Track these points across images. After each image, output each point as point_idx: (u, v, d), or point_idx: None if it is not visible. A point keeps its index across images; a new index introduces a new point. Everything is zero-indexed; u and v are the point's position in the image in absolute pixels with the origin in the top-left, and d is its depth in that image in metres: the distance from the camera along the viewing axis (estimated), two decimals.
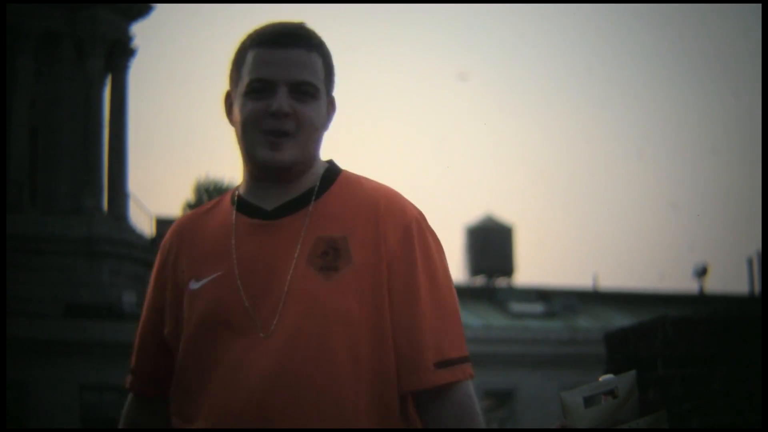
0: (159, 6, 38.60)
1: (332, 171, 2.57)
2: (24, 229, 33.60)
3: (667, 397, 5.39)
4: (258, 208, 2.51)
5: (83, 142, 36.19)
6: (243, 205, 2.54)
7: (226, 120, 2.59)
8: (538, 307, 39.75)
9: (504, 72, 76.87)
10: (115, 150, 37.09)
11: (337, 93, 2.58)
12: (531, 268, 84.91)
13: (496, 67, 76.78)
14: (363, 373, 2.42)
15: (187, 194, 50.28)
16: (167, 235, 2.64)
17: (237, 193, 2.57)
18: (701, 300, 38.88)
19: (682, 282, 74.09)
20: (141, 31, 51.76)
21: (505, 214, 72.94)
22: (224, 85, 2.59)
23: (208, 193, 48.80)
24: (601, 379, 2.45)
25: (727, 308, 6.40)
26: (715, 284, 63.80)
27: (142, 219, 38.28)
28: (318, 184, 2.52)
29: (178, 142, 74.50)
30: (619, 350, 6.04)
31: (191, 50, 75.89)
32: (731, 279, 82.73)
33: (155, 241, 37.37)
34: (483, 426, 2.48)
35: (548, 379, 35.77)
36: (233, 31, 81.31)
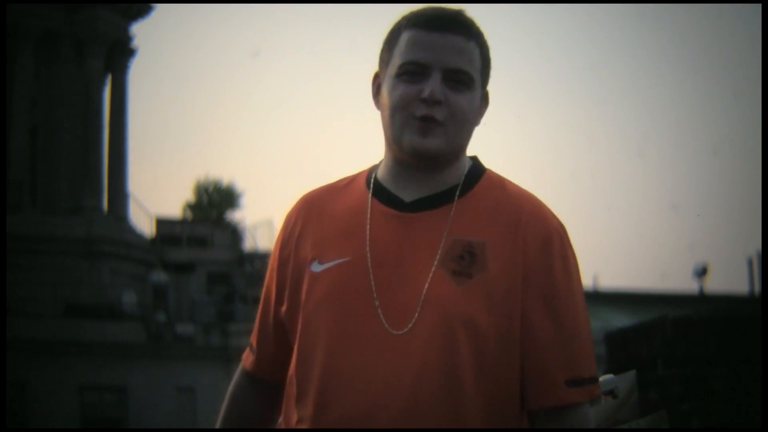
0: (159, 6, 38.63)
1: (477, 169, 2.44)
2: (24, 229, 33.57)
3: (667, 397, 5.39)
4: (396, 198, 2.38)
5: (83, 142, 36.17)
6: (380, 191, 2.41)
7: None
8: None
9: (504, 72, 76.77)
10: (115, 150, 37.07)
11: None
12: None
13: (495, 67, 76.60)
14: (485, 384, 2.31)
15: (187, 194, 50.36)
16: (293, 209, 2.49)
17: (374, 176, 2.44)
18: (701, 300, 38.87)
19: (682, 282, 74.10)
20: (141, 31, 51.80)
21: None
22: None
23: (208, 193, 48.80)
24: (601, 379, 2.44)
25: (727, 308, 6.40)
26: (715, 284, 63.83)
27: (142, 219, 38.29)
28: (462, 181, 2.40)
29: (178, 142, 74.52)
30: (619, 350, 6.04)
31: (191, 50, 75.91)
32: (731, 279, 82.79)
33: (155, 241, 37.39)
34: None
35: None
36: (233, 31, 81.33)
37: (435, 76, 2.33)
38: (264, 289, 2.51)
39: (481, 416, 2.30)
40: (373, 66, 2.45)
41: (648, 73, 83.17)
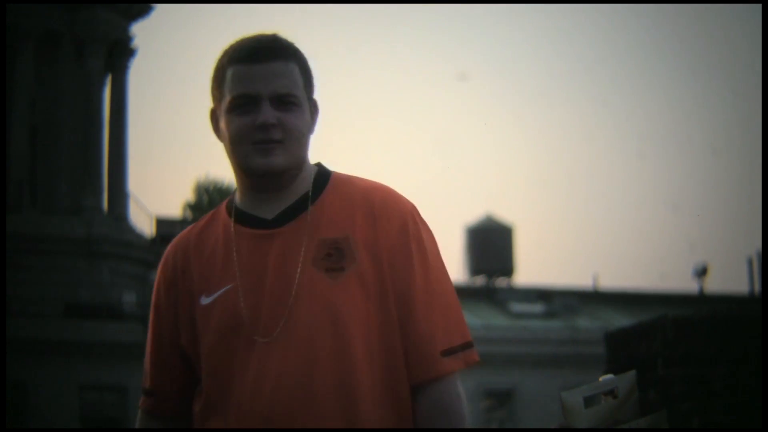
0: (159, 6, 38.63)
1: (323, 174, 2.64)
2: (24, 229, 33.58)
3: (667, 397, 5.39)
4: (258, 219, 2.57)
5: (83, 142, 36.17)
6: (242, 216, 2.60)
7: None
8: (538, 307, 39.74)
9: (504, 72, 76.90)
10: (115, 150, 37.08)
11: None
12: (531, 268, 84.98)
13: (496, 67, 76.78)
14: (377, 367, 2.48)
15: (187, 194, 50.37)
16: (168, 254, 2.67)
17: (233, 205, 2.63)
18: (701, 300, 38.89)
19: (682, 282, 74.09)
20: (141, 31, 51.76)
21: (505, 214, 72.99)
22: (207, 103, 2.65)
23: (209, 193, 48.80)
24: (601, 379, 2.45)
25: (727, 308, 6.41)
26: (715, 284, 63.78)
27: (142, 219, 38.29)
28: (311, 188, 2.59)
29: (178, 142, 74.53)
30: (619, 350, 6.04)
31: (191, 50, 75.89)
32: (731, 279, 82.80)
33: (155, 241, 37.38)
34: (463, 425, 2.51)
35: (548, 379, 35.75)
36: (233, 32, 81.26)
37: (265, 104, 2.52)
38: (151, 334, 2.68)
39: (378, 401, 2.48)
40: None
41: (648, 73, 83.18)
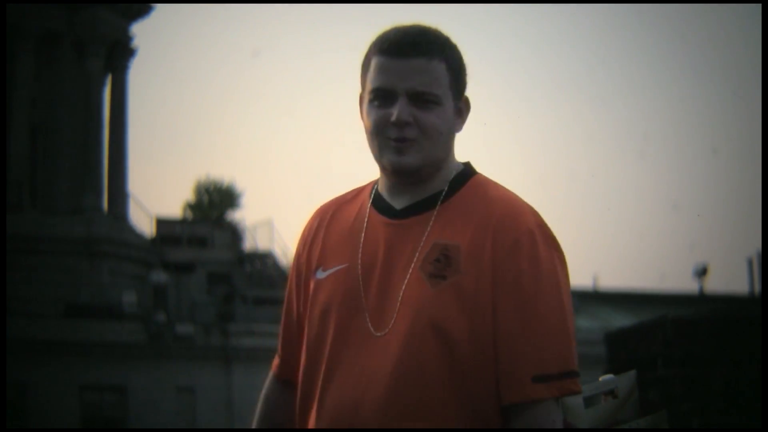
0: (159, 6, 38.65)
1: (464, 174, 2.58)
2: (24, 229, 33.58)
3: (667, 397, 5.39)
4: (389, 206, 2.57)
5: (83, 142, 36.18)
6: (378, 200, 2.60)
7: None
8: None
9: (504, 72, 76.89)
10: (115, 150, 37.09)
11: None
12: None
13: (496, 67, 76.73)
14: (461, 382, 2.43)
15: (187, 194, 50.33)
16: (310, 219, 2.69)
17: (375, 186, 2.63)
18: (701, 300, 38.86)
19: (682, 282, 74.14)
20: (141, 31, 51.77)
21: None
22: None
23: (209, 193, 48.79)
24: (601, 379, 2.45)
25: (727, 308, 6.40)
26: (715, 284, 63.82)
27: (142, 219, 38.29)
28: (446, 187, 2.55)
29: (178, 142, 74.55)
30: (619, 350, 6.04)
31: (191, 50, 75.94)
32: (731, 279, 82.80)
33: (155, 241, 37.39)
34: None
35: None
36: (233, 31, 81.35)
37: (401, 100, 2.50)
38: (286, 295, 2.70)
39: (457, 413, 2.42)
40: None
41: (648, 73, 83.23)
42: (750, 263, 32.60)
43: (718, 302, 36.45)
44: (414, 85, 2.49)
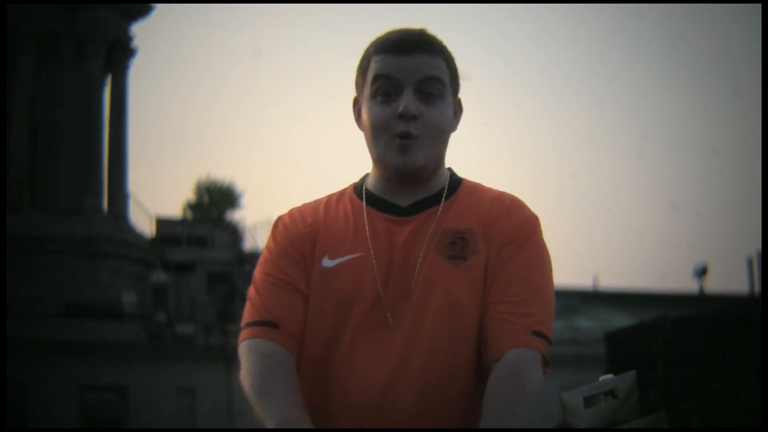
0: (159, 6, 38.62)
1: (455, 178, 2.63)
2: (24, 229, 33.58)
3: (667, 397, 5.39)
4: (392, 204, 2.56)
5: (83, 142, 36.17)
6: (373, 199, 2.58)
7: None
8: None
9: (504, 72, 76.89)
10: (115, 150, 37.08)
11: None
12: None
13: (496, 67, 76.76)
14: (478, 358, 2.48)
15: (187, 194, 50.34)
16: (294, 213, 2.61)
17: (364, 188, 2.61)
18: (701, 300, 38.82)
19: (682, 282, 74.09)
20: (141, 31, 51.76)
21: None
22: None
23: (209, 193, 48.79)
24: (601, 379, 2.45)
25: (727, 308, 6.41)
26: (715, 284, 63.80)
27: (142, 219, 38.28)
28: (447, 185, 2.59)
29: (178, 142, 74.54)
30: (619, 350, 6.04)
31: (191, 50, 75.93)
32: (731, 279, 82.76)
33: (155, 241, 37.38)
34: (531, 398, 2.46)
35: (548, 379, 35.61)
36: (233, 31, 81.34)
37: (407, 92, 2.50)
38: (271, 273, 2.55)
39: (474, 390, 2.46)
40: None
41: (648, 73, 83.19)
42: (750, 263, 32.57)
43: (718, 302, 36.38)
44: (422, 74, 2.50)
